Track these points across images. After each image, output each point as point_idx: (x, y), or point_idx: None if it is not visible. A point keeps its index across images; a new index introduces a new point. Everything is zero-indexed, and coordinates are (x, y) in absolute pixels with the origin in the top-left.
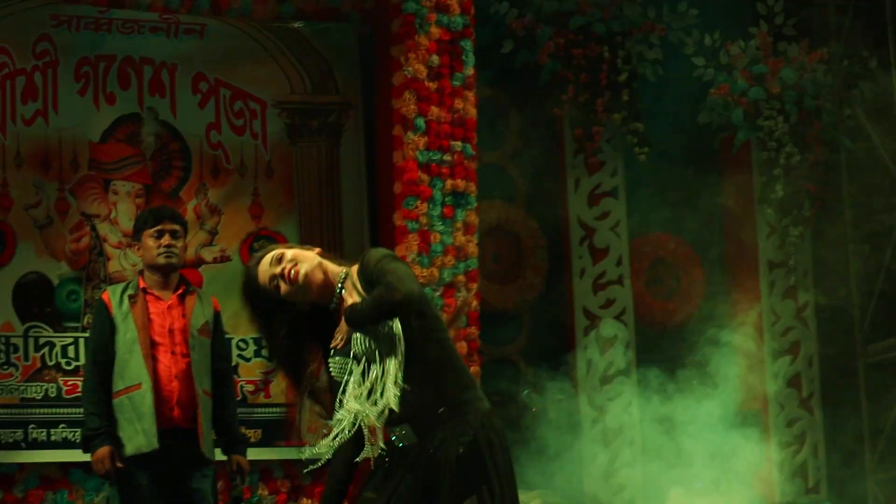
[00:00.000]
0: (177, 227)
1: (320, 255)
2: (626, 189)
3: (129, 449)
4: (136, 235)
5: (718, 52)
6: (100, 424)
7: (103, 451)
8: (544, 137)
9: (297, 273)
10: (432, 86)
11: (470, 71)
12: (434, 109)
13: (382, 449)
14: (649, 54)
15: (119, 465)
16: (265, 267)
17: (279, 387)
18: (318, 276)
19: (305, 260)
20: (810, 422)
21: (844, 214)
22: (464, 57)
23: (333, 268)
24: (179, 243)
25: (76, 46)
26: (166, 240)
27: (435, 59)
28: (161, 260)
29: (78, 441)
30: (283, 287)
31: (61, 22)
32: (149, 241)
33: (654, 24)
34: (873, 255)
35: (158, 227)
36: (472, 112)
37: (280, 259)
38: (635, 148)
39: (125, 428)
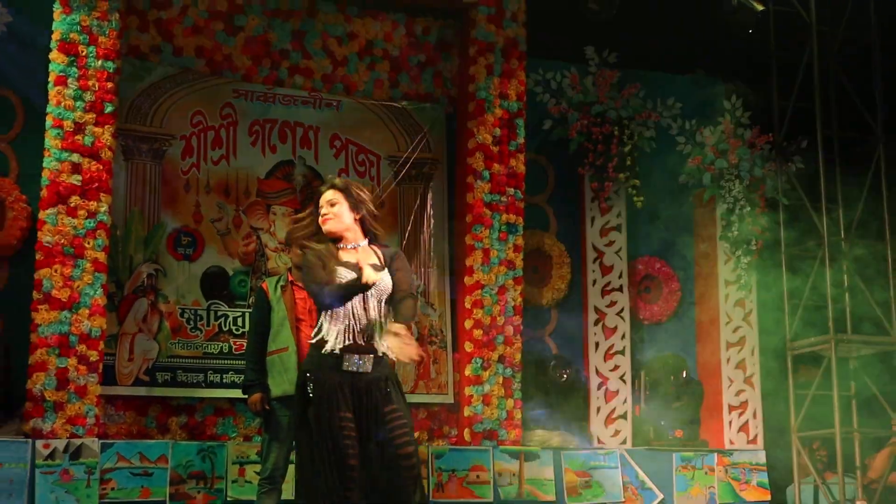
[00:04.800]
0: None
1: (358, 220)
2: (627, 225)
3: (278, 392)
4: (286, 244)
5: (694, 134)
6: (255, 377)
7: (256, 396)
8: (571, 188)
9: (326, 221)
10: (495, 149)
11: (521, 140)
12: (496, 165)
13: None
14: (646, 133)
15: (266, 406)
16: (327, 195)
17: None
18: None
19: (339, 218)
20: (751, 394)
21: (780, 248)
22: (517, 130)
23: (355, 233)
24: None
25: (250, 112)
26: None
27: (497, 131)
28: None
29: (241, 384)
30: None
31: (240, 94)
32: (296, 249)
33: (650, 112)
34: (801, 276)
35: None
36: (522, 168)
37: (332, 203)
38: (634, 197)
39: (275, 377)
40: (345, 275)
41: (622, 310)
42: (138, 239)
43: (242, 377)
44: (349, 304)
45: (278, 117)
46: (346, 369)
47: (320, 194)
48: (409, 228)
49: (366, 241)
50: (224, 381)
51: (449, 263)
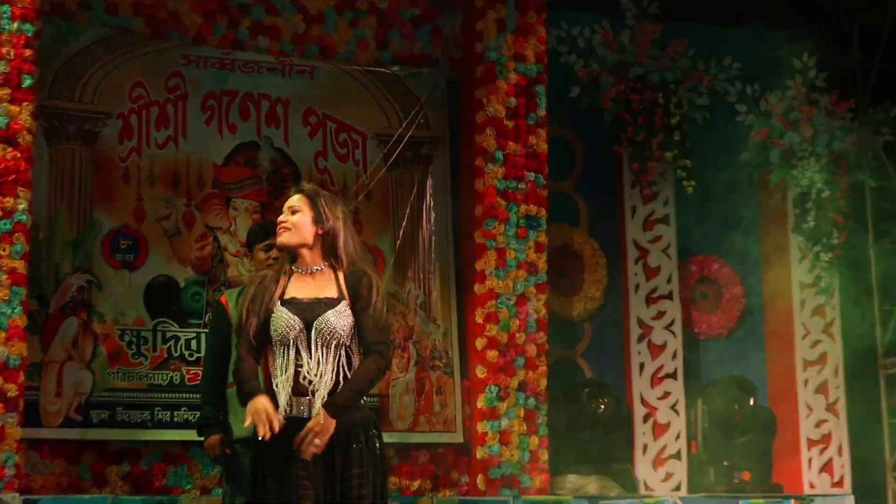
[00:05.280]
0: None
1: (320, 236)
2: (676, 216)
3: (242, 432)
4: (248, 247)
5: (758, 101)
6: (213, 414)
7: (214, 438)
8: (605, 171)
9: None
10: (510, 124)
11: (542, 112)
12: (511, 144)
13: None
14: (698, 101)
15: (227, 450)
16: (290, 200)
17: None
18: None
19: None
20: (835, 424)
21: (868, 242)
22: (537, 100)
23: (314, 254)
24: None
25: (203, 82)
26: (275, 252)
27: (512, 101)
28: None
29: (196, 423)
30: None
31: (190, 61)
32: (259, 254)
33: (702, 74)
34: (893, 279)
35: (268, 241)
36: (544, 147)
37: (294, 211)
38: (684, 181)
39: (238, 413)
40: (284, 319)
41: (672, 322)
42: (66, 243)
43: (198, 414)
44: (290, 352)
45: (238, 89)
46: (293, 415)
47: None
48: (404, 224)
49: (325, 265)
50: (175, 419)
51: (455, 267)
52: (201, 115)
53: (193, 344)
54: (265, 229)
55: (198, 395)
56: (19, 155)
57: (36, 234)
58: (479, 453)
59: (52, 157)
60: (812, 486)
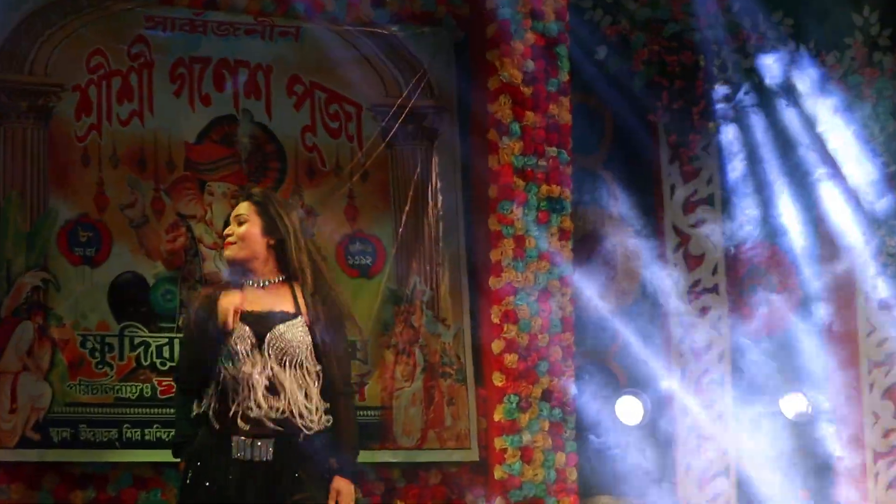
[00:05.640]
0: None
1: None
2: (722, 197)
3: None
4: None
5: (814, 62)
6: (190, 431)
7: None
8: (639, 144)
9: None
10: (527, 91)
11: (565, 76)
12: (529, 114)
13: None
14: (744, 62)
15: None
16: (237, 209)
17: (374, 389)
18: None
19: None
20: None
21: None
22: (559, 62)
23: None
24: None
25: (171, 48)
26: None
27: (530, 64)
28: None
29: (171, 441)
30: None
31: (156, 24)
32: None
33: (748, 32)
34: None
35: None
36: (567, 117)
37: (241, 221)
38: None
39: None
40: (238, 342)
41: (719, 319)
42: (18, 236)
43: (172, 432)
44: (240, 367)
45: (212, 55)
46: (235, 457)
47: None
48: (406, 209)
49: (282, 277)
50: (146, 438)
51: (466, 258)
52: (170, 85)
53: (166, 351)
54: None
55: (172, 410)
56: None
57: None
58: (498, 473)
59: (1, 137)
60: None
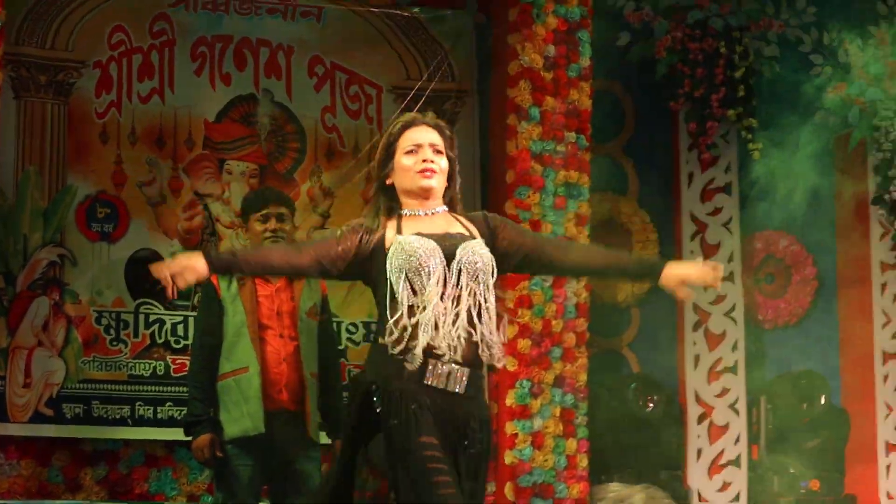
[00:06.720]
0: (283, 210)
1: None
2: (740, 185)
3: (235, 431)
4: (243, 218)
5: (836, 51)
6: (202, 410)
7: (203, 439)
8: (658, 131)
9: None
10: (548, 76)
11: (586, 62)
12: (549, 99)
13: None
14: (766, 51)
15: (218, 454)
16: (428, 135)
17: None
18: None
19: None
20: None
21: None
22: (580, 48)
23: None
24: (286, 226)
25: (193, 26)
26: (272, 224)
27: (551, 49)
28: (267, 244)
29: (183, 420)
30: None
31: (179, 1)
32: (255, 225)
33: (771, 20)
34: None
35: (265, 211)
36: (587, 103)
37: (438, 151)
38: (749, 144)
39: (231, 410)
40: (419, 244)
41: (733, 308)
42: (35, 211)
43: (185, 411)
44: (432, 291)
45: (234, 34)
46: (429, 384)
47: (398, 131)
48: None
49: (444, 206)
50: (159, 416)
51: None
52: (191, 64)
53: (180, 329)
54: (263, 196)
55: (185, 389)
56: None
57: (1, 201)
58: (508, 458)
59: (19, 111)
60: (890, 497)
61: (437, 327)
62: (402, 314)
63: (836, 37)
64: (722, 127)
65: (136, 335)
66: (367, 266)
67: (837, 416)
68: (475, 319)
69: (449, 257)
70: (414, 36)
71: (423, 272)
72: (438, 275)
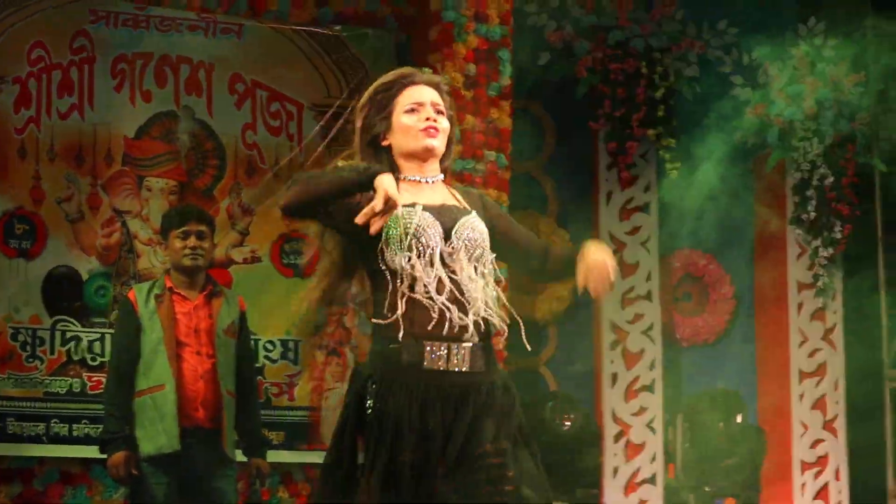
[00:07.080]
0: (203, 227)
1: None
2: (659, 205)
3: (151, 448)
4: (163, 235)
5: (756, 72)
6: (118, 427)
7: (118, 456)
8: (578, 150)
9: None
10: (468, 94)
11: (506, 81)
12: (469, 118)
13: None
14: (687, 71)
15: (134, 471)
16: (429, 94)
17: (303, 390)
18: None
19: (444, 135)
20: (833, 445)
21: (876, 237)
22: (500, 67)
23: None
24: (206, 244)
25: (113, 43)
26: (192, 241)
27: (472, 67)
28: (187, 262)
29: (99, 437)
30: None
31: (99, 18)
32: (175, 242)
33: (692, 41)
34: None
35: (185, 228)
36: (507, 122)
37: (439, 111)
38: (668, 164)
39: (147, 427)
40: (420, 216)
41: (651, 327)
42: None
43: (101, 428)
44: (426, 268)
45: (154, 50)
46: (427, 367)
47: (396, 88)
48: None
49: (442, 176)
50: (74, 433)
51: None
52: (111, 80)
53: (97, 346)
54: (183, 213)
55: (101, 406)
56: None
57: None
58: None
59: None
60: None
61: (434, 303)
62: (397, 289)
63: (757, 57)
64: (641, 146)
65: (52, 352)
66: (360, 229)
67: (754, 435)
68: (472, 294)
69: (447, 231)
70: (335, 54)
71: (420, 246)
72: (435, 248)
